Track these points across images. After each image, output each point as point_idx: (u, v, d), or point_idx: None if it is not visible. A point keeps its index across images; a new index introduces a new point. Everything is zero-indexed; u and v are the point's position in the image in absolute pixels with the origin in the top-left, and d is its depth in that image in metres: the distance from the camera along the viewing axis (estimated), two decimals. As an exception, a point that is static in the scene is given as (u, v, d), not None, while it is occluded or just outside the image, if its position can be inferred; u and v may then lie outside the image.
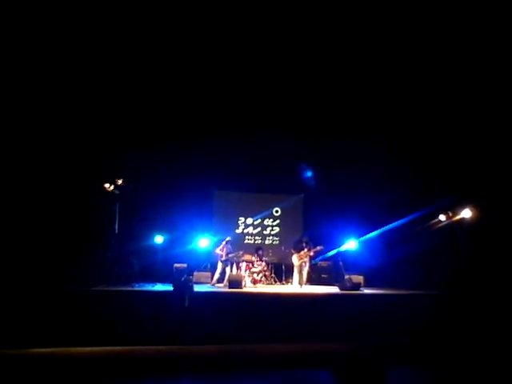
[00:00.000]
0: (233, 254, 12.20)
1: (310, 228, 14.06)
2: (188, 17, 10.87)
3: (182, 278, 9.62)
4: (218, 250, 12.19)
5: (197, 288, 10.90)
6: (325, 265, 13.35)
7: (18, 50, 10.56)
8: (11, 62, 10.66)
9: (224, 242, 12.28)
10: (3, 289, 8.59)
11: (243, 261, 12.64)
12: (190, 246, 12.92)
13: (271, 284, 12.71)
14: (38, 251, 10.54)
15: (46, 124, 11.60)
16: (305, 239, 12.12)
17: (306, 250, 11.84)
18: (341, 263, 12.37)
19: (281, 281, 12.97)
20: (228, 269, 12.10)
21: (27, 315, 8.10)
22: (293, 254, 12.03)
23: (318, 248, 12.07)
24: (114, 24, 10.66)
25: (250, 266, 12.65)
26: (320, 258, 13.00)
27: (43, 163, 11.55)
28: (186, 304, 8.75)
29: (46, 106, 11.57)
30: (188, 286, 9.34)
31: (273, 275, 13.03)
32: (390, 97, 12.80)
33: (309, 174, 14.46)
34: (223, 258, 12.07)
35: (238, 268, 12.57)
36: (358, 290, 11.38)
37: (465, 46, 11.37)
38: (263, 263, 12.85)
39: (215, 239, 12.72)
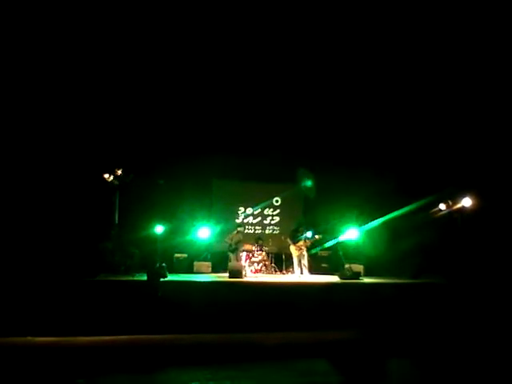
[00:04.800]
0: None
1: (310, 217, 14.01)
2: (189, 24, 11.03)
3: (156, 267, 9.57)
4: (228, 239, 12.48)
5: (197, 278, 10.97)
6: (325, 254, 13.34)
7: (22, 46, 10.58)
8: (14, 58, 10.65)
9: (236, 232, 12.56)
10: (5, 280, 8.63)
11: (243, 250, 12.66)
12: (190, 236, 12.92)
13: (271, 273, 12.73)
14: (38, 242, 10.55)
15: (45, 116, 11.56)
16: (301, 229, 12.12)
17: (303, 240, 11.86)
18: (341, 252, 12.37)
19: (281, 270, 12.98)
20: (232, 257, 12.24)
21: (27, 305, 8.14)
22: (290, 244, 12.03)
23: (316, 237, 12.08)
24: (111, 21, 10.69)
25: (250, 255, 12.67)
26: (320, 247, 12.98)
27: (42, 154, 11.52)
28: (159, 293, 8.77)
29: (46, 97, 11.52)
30: (159, 274, 9.29)
31: (273, 265, 13.03)
32: (389, 88, 12.75)
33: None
34: (232, 247, 12.32)
35: (238, 258, 12.59)
36: (358, 279, 11.40)
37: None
38: (263, 253, 12.87)
39: (219, 228, 12.79)
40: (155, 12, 10.94)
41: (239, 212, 14.75)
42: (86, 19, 10.66)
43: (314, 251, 12.75)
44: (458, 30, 11.28)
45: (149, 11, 10.92)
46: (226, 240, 12.53)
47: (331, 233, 13.11)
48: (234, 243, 12.36)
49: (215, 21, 11.23)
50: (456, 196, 12.98)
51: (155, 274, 9.22)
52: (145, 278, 9.58)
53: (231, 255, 12.32)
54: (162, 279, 9.28)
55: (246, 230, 14.64)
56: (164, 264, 10.19)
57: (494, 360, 6.83)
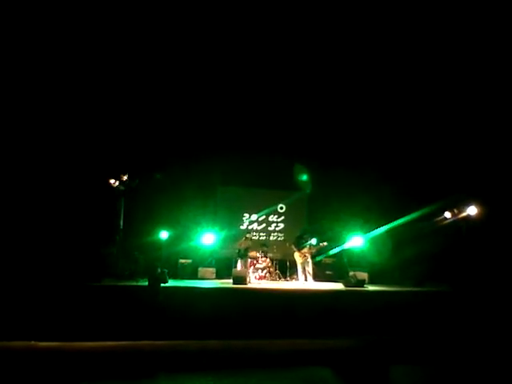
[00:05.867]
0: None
1: (314, 224, 13.98)
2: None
3: (157, 272, 9.66)
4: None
5: (201, 284, 10.98)
6: (329, 261, 13.29)
7: (29, 47, 10.71)
8: (22, 59, 10.78)
9: (244, 238, 12.55)
10: (10, 284, 8.68)
11: (248, 257, 12.65)
12: (195, 242, 12.94)
13: (275, 280, 12.70)
14: (43, 247, 10.59)
15: (51, 121, 11.65)
16: (306, 236, 12.09)
17: (307, 247, 11.84)
18: (345, 260, 12.34)
19: (285, 277, 12.95)
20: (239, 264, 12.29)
21: (31, 309, 8.17)
22: (294, 251, 12.00)
23: (321, 245, 12.06)
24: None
25: (255, 262, 12.65)
26: (324, 254, 12.95)
27: (48, 160, 11.60)
28: (160, 298, 8.83)
29: (52, 101, 11.61)
30: (160, 279, 9.39)
31: (277, 271, 13.00)
32: (397, 92, 12.75)
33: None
34: (241, 253, 12.33)
35: (247, 264, 12.59)
36: (363, 286, 11.36)
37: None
38: (267, 259, 12.86)
39: (223, 234, 12.85)
40: (157, 16, 11.04)
41: (244, 218, 14.76)
42: (89, 24, 10.77)
43: (318, 258, 12.71)
44: (460, 31, 11.30)
45: (150, 16, 11.03)
46: (235, 246, 12.52)
47: (336, 240, 13.09)
48: (242, 249, 12.35)
49: (216, 24, 11.30)
50: (461, 204, 12.94)
51: (156, 280, 9.31)
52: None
53: (240, 261, 12.33)
54: (162, 284, 9.36)
55: (249, 235, 14.63)
56: (165, 269, 10.26)
57: (499, 367, 6.78)
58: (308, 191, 14.72)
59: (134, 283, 10.43)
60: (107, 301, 8.85)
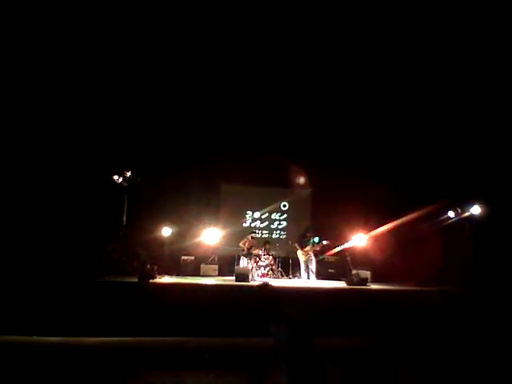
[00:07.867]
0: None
1: (317, 223, 13.96)
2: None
3: (146, 267, 9.85)
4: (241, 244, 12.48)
5: (204, 280, 10.98)
6: (332, 259, 13.29)
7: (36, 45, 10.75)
8: (25, 57, 10.81)
9: (250, 237, 12.54)
10: (13, 279, 8.70)
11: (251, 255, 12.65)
12: (197, 239, 12.95)
13: (278, 278, 12.70)
14: (46, 242, 10.61)
15: (55, 118, 11.66)
16: (309, 234, 12.07)
17: (310, 245, 11.81)
18: (348, 258, 12.32)
19: (287, 275, 12.94)
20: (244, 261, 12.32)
21: (34, 304, 8.19)
22: (297, 249, 11.98)
23: (324, 243, 12.04)
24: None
25: (257, 259, 12.65)
26: (327, 252, 12.94)
27: (52, 155, 11.61)
28: (147, 291, 9.05)
29: (56, 100, 11.62)
30: (149, 275, 9.56)
31: (279, 269, 13.01)
32: (400, 91, 12.70)
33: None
34: (245, 252, 12.31)
35: (252, 262, 12.59)
36: (365, 285, 11.34)
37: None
38: (270, 257, 12.86)
39: (226, 231, 12.93)
40: (158, 16, 11.08)
41: (247, 216, 14.76)
42: (94, 24, 10.80)
43: (321, 257, 12.70)
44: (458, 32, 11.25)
45: (152, 16, 11.06)
46: (239, 245, 12.51)
47: (339, 238, 13.06)
48: (247, 248, 12.35)
49: (215, 25, 11.31)
50: (465, 204, 12.89)
51: (146, 276, 9.49)
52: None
53: (242, 258, 12.36)
54: (151, 280, 9.62)
55: (254, 235, 14.63)
56: (155, 266, 10.42)
57: (505, 370, 6.73)
58: (311, 189, 14.72)
59: (136, 280, 10.43)
60: (109, 296, 8.85)
